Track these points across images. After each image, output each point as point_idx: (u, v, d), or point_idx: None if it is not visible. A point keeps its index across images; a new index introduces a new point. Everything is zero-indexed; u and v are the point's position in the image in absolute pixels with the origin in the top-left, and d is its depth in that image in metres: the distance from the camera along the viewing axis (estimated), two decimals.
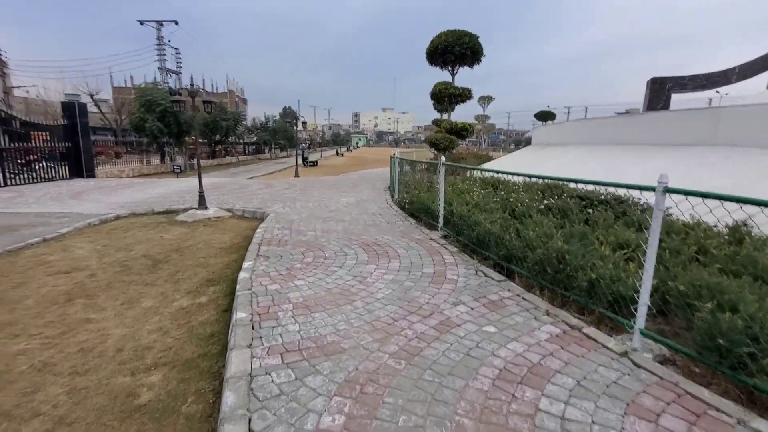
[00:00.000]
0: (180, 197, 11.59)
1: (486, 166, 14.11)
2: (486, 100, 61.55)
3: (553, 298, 3.92)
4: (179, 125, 22.61)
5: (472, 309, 3.72)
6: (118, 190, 13.07)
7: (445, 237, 6.54)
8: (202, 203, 9.36)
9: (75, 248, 6.64)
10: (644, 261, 3.01)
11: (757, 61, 17.14)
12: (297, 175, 18.86)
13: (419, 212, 7.97)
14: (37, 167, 16.06)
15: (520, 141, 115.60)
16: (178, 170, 18.95)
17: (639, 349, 3.02)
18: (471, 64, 11.17)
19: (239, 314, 3.53)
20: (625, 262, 3.85)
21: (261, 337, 3.15)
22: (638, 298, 3.07)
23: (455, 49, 10.47)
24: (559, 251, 3.87)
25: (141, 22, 31.09)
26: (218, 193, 12.50)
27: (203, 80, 71.36)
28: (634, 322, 3.10)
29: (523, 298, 3.96)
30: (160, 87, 23.82)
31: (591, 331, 3.27)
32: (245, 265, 5.01)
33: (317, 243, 6.14)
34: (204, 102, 9.03)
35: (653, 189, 2.94)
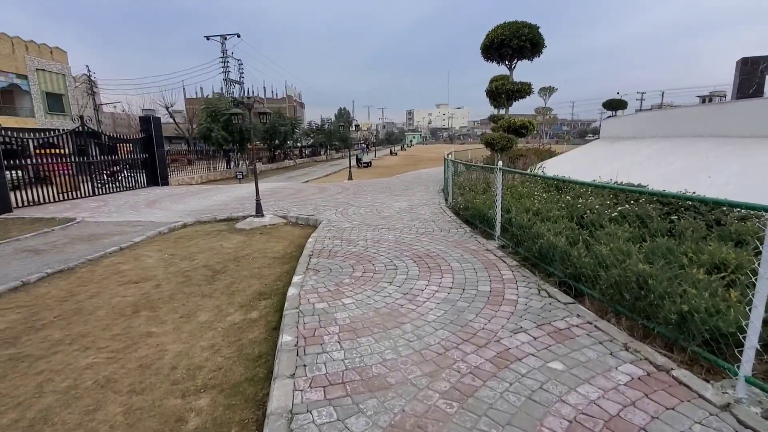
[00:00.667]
0: (240, 204, 12.10)
1: (549, 163, 13.18)
2: (547, 91, 58.17)
3: (632, 327, 3.40)
4: (241, 133, 23.94)
5: (534, 339, 3.32)
6: (186, 198, 13.98)
7: (502, 247, 6.10)
8: (258, 211, 9.66)
9: (145, 257, 7.10)
10: (754, 290, 2.45)
11: None
12: (350, 177, 19.05)
13: (474, 219, 7.55)
14: (120, 177, 17.76)
15: (586, 132, 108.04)
16: (240, 176, 19.98)
17: (744, 401, 2.47)
18: (531, 57, 10.43)
19: (285, 337, 3.46)
20: (724, 288, 3.22)
21: (305, 366, 3.03)
22: (744, 336, 2.51)
23: (513, 42, 9.82)
24: (640, 275, 3.33)
25: (207, 38, 33.32)
26: (275, 198, 12.90)
27: (264, 88, 75.28)
28: (738, 367, 2.55)
29: (595, 326, 3.47)
30: (224, 98, 25.39)
31: (682, 374, 2.74)
32: (295, 279, 4.99)
33: (367, 254, 5.99)
34: (259, 114, 9.28)
35: None
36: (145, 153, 18.36)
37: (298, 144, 49.95)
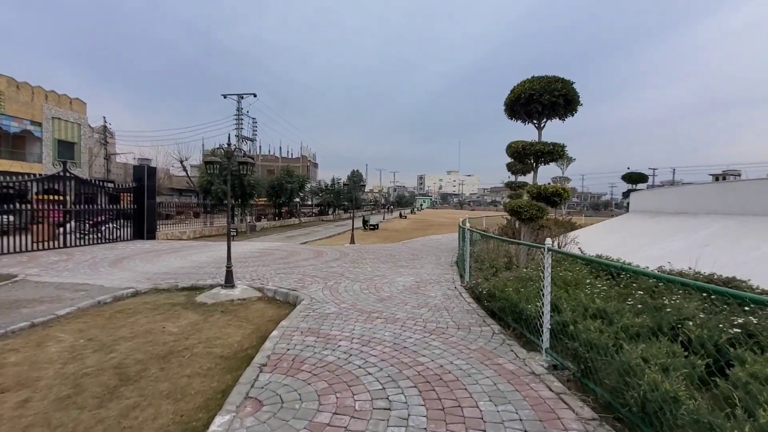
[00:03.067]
0: (218, 268, 10.27)
1: (579, 238, 11.28)
2: (566, 160, 57.84)
3: None
4: (243, 188, 22.87)
5: None
6: (162, 256, 12.24)
7: (554, 368, 4.04)
8: (228, 280, 7.80)
9: (51, 343, 5.20)
10: None
11: None
12: (353, 241, 17.29)
13: (504, 313, 5.54)
14: (103, 228, 16.29)
15: (598, 205, 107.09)
16: (234, 233, 18.37)
17: None
18: (563, 116, 9.02)
19: None
20: None
21: None
22: None
23: (544, 98, 8.46)
24: None
25: (224, 96, 33.96)
26: (260, 263, 11.07)
27: (280, 147, 77.10)
28: None
29: None
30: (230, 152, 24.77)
31: None
32: (215, 425, 2.96)
33: (348, 369, 3.96)
34: (240, 163, 7.80)
35: None
36: (135, 204, 17.06)
37: (307, 202, 49.26)
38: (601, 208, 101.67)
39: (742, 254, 6.87)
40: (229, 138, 7.68)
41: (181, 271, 9.75)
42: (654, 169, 73.58)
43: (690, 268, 5.72)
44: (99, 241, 15.61)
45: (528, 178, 19.98)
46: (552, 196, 8.80)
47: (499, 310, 5.65)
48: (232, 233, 18.40)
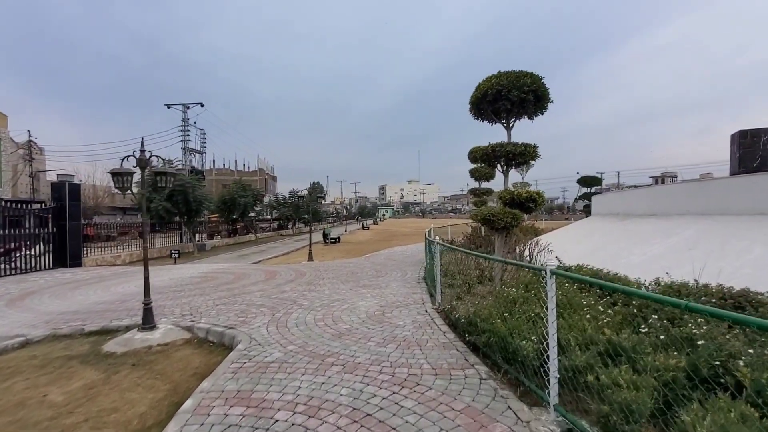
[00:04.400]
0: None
1: (549, 243, 10.60)
2: (526, 165, 58.98)
3: None
4: (188, 204, 20.82)
5: None
6: (79, 288, 10.30)
7: None
8: (147, 320, 6.27)
9: None
10: None
11: None
12: (311, 258, 15.88)
13: (491, 349, 4.47)
14: (15, 256, 13.89)
15: (552, 209, 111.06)
16: (176, 255, 16.42)
17: None
18: (533, 114, 8.28)
19: None
20: None
21: None
22: None
23: (513, 94, 7.66)
24: None
25: (168, 106, 31.42)
26: (198, 291, 9.47)
27: (235, 161, 73.79)
28: None
29: None
30: (171, 165, 22.57)
31: None
32: None
33: None
34: (156, 174, 6.37)
35: None
36: (54, 227, 14.74)
37: (266, 216, 46.93)
38: (555, 211, 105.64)
39: (734, 258, 6.29)
40: (142, 143, 6.22)
41: (95, 308, 8.01)
42: (601, 173, 77.22)
43: (695, 281, 4.95)
44: (12, 271, 13.24)
45: (492, 184, 19.48)
46: (526, 202, 7.98)
47: (484, 345, 4.59)
48: (174, 255, 16.45)
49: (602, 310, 4.38)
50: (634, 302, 4.55)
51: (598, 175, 68.30)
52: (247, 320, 6.57)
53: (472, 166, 18.47)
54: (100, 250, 17.77)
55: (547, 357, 3.26)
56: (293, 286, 9.71)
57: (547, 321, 3.23)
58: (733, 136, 16.51)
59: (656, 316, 3.90)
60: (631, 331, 3.71)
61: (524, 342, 3.80)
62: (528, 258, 11.32)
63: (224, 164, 72.47)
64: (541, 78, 7.89)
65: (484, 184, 18.89)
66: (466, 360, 4.48)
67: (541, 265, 6.60)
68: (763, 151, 14.83)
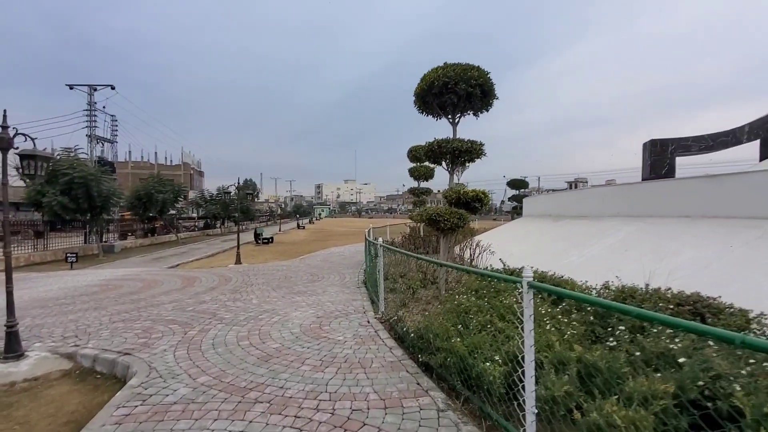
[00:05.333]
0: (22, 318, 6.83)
1: (494, 246, 10.48)
2: (462, 166, 60.67)
3: None
4: (90, 199, 17.99)
5: None
6: None
7: None
8: (11, 347, 4.83)
9: None
10: None
11: None
12: (239, 261, 14.40)
13: (446, 370, 3.86)
14: None
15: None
16: (73, 259, 13.95)
17: None
18: (479, 110, 7.96)
19: None
20: None
21: None
22: None
23: (460, 87, 7.24)
24: None
25: (71, 87, 27.22)
26: (94, 302, 7.84)
27: (155, 153, 67.07)
28: None
29: None
30: (71, 155, 19.43)
31: None
32: None
33: None
34: (21, 158, 4.92)
35: None
36: None
37: (192, 214, 43.05)
38: (483, 212, 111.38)
39: (669, 260, 6.42)
40: (4, 116, 4.73)
41: None
42: (525, 177, 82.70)
43: (646, 285, 4.80)
44: None
45: (431, 184, 19.38)
46: (472, 202, 7.63)
47: (439, 366, 3.98)
48: (70, 259, 13.96)
49: (563, 320, 4.00)
50: (589, 308, 4.25)
51: (524, 179, 72.98)
52: (150, 342, 5.35)
53: (411, 165, 18.27)
54: None
55: (520, 386, 2.71)
56: (215, 295, 8.45)
57: (522, 344, 2.66)
58: (644, 144, 18.04)
59: (623, 328, 3.57)
60: (603, 347, 3.32)
61: (488, 364, 3.23)
62: (469, 260, 11.13)
63: (144, 157, 65.44)
64: (488, 73, 7.57)
65: (424, 184, 18.75)
66: (418, 385, 3.83)
67: (515, 273, 6.17)
68: (670, 159, 16.35)
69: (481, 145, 7.73)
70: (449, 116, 7.99)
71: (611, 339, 3.52)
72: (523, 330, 2.67)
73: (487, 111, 8.13)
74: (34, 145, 4.91)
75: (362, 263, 12.98)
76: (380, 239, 6.96)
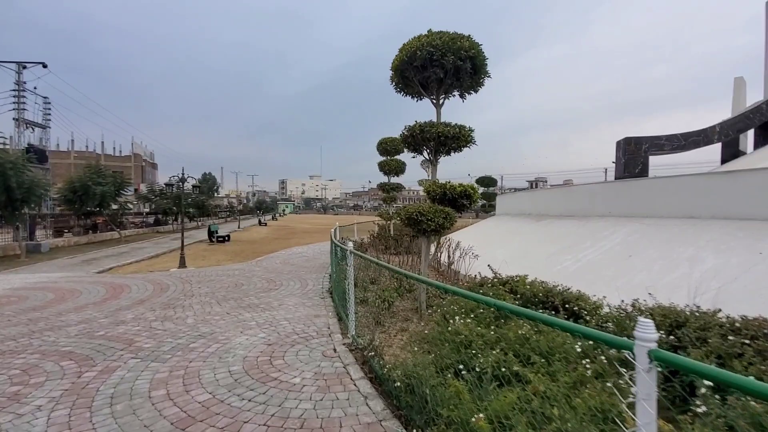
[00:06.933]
0: None
1: (476, 249, 9.37)
2: (428, 163, 60.03)
3: None
4: (9, 191, 15.33)
5: None
6: None
7: None
8: None
9: None
10: None
11: (740, 119, 15.66)
12: (183, 264, 12.50)
13: (436, 422, 2.58)
14: None
15: None
16: None
17: None
18: (467, 89, 6.74)
19: None
20: None
21: None
22: None
23: (447, 59, 5.98)
24: None
25: None
26: None
27: (102, 142, 61.61)
28: None
29: None
30: None
31: None
32: None
33: None
34: None
35: None
36: None
37: (141, 210, 39.54)
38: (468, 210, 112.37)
39: (686, 269, 5.50)
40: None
41: None
42: (490, 175, 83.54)
43: (696, 306, 3.75)
44: None
45: (401, 179, 18.15)
46: (459, 198, 6.41)
47: (431, 419, 2.69)
48: None
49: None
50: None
51: (492, 177, 73.72)
52: (23, 392, 3.72)
53: (381, 159, 16.96)
54: None
55: None
56: (140, 312, 6.77)
57: None
58: (618, 143, 17.70)
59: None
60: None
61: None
62: (447, 263, 9.98)
63: (90, 147, 59.80)
64: (479, 44, 6.36)
65: (394, 179, 17.48)
66: None
67: (627, 336, 4.47)
68: (644, 157, 16.02)
69: (471, 130, 6.52)
70: (432, 96, 6.73)
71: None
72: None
73: (476, 92, 6.94)
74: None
75: (327, 266, 11.55)
76: (350, 244, 5.59)
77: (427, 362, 3.52)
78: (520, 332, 3.67)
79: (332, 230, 12.69)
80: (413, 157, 6.99)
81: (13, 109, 25.62)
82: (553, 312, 5.16)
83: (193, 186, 19.85)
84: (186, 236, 20.04)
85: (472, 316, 4.40)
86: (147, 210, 40.16)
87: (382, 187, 17.19)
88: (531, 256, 8.45)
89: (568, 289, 5.87)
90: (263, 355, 4.71)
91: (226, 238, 24.06)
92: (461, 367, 3.34)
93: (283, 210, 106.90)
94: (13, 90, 25.34)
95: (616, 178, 20.08)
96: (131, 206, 34.96)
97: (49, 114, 27.72)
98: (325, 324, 6.03)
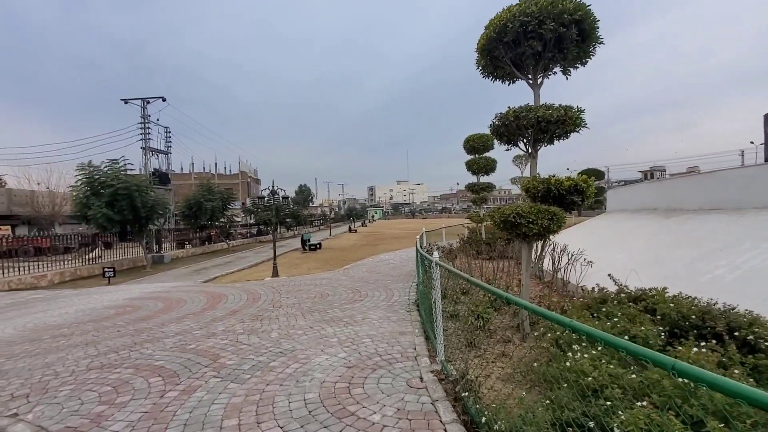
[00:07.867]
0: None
1: (588, 254, 7.89)
2: (524, 158, 56.40)
3: None
4: (135, 210, 17.67)
5: None
6: None
7: None
8: None
9: None
10: None
11: None
12: (276, 273, 12.97)
13: None
14: None
15: None
16: (110, 274, 13.36)
17: None
18: (573, 63, 5.57)
19: None
20: None
21: None
22: None
23: (546, 26, 4.93)
24: None
25: (125, 101, 28.15)
26: (92, 335, 6.53)
27: (215, 164, 70.07)
28: None
29: None
30: (115, 166, 19.36)
31: None
32: None
33: None
34: None
35: None
36: None
37: (248, 221, 43.61)
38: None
39: None
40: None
41: None
42: (589, 168, 75.35)
43: None
44: None
45: (492, 179, 16.80)
46: (569, 195, 5.26)
47: None
48: (108, 274, 13.33)
49: None
50: None
51: (599, 170, 66.24)
52: (106, 414, 3.69)
53: (466, 161, 15.84)
54: (12, 270, 14.39)
55: None
56: (231, 323, 6.84)
57: None
58: (766, 116, 14.17)
59: None
60: None
61: None
62: (552, 270, 8.60)
63: (206, 168, 68.70)
64: (588, 5, 5.17)
65: (484, 179, 16.23)
66: None
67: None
68: None
69: (580, 111, 5.33)
70: (528, 75, 5.68)
71: None
72: None
73: (584, 65, 5.72)
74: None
75: (414, 274, 10.92)
76: (436, 254, 4.85)
77: (540, 415, 2.63)
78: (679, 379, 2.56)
79: (418, 236, 12.03)
80: (507, 149, 5.96)
81: (140, 140, 29.90)
82: (715, 342, 3.84)
83: (283, 197, 20.91)
84: (282, 245, 21.01)
85: (599, 348, 3.35)
86: (251, 221, 44.09)
87: (470, 187, 16.07)
88: (664, 262, 6.75)
89: (733, 309, 4.40)
90: (342, 380, 4.20)
91: (318, 246, 24.99)
92: (591, 425, 2.40)
93: (372, 216, 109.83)
94: (139, 123, 29.60)
95: (766, 160, 16.14)
96: (238, 219, 38.57)
97: (170, 141, 31.79)
98: (410, 343, 5.36)
